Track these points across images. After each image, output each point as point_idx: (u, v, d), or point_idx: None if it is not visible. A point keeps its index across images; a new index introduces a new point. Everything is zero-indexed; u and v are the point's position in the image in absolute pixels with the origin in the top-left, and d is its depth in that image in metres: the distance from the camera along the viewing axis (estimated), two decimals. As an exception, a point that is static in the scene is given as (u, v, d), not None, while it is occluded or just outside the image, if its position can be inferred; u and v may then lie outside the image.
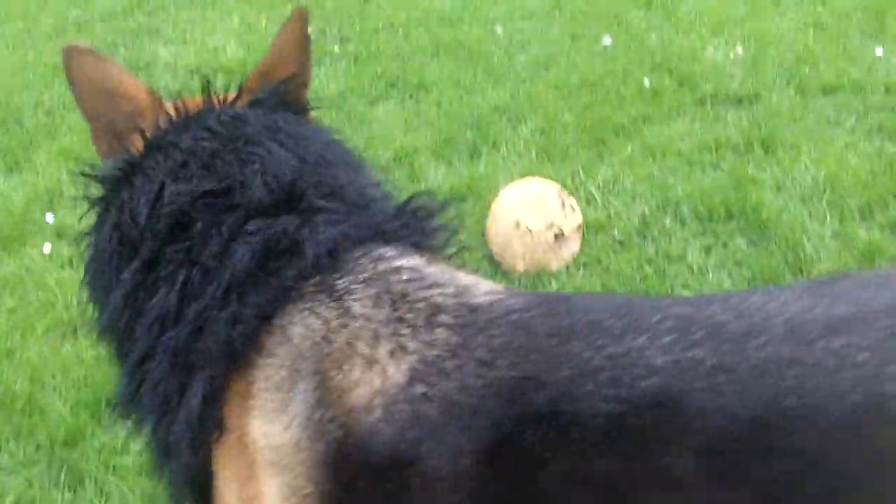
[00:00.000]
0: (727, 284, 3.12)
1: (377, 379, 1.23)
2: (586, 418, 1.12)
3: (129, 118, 1.51)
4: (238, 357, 1.32)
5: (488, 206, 3.39)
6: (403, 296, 1.30)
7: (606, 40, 4.69)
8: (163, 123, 1.52)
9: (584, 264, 3.28)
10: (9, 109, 4.39)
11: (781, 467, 1.06)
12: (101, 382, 2.88)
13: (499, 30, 4.94)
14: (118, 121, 1.52)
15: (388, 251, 1.38)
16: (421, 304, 1.29)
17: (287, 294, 1.33)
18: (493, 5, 5.24)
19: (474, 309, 1.27)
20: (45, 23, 5.22)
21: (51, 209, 3.76)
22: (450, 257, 1.48)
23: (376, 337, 1.26)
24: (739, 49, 4.52)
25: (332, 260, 1.35)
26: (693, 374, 1.10)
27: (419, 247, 1.43)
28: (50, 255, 3.50)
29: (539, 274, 3.20)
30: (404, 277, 1.33)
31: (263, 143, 1.48)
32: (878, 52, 4.40)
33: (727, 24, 4.78)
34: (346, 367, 1.25)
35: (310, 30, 1.68)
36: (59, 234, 3.62)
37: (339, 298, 1.31)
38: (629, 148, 3.85)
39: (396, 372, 1.23)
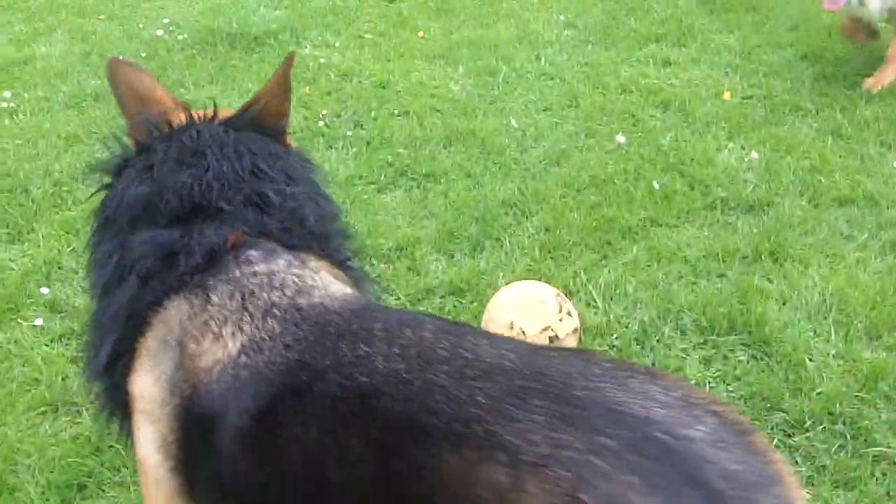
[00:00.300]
0: (724, 400, 3.02)
1: (220, 350, 1.62)
2: (321, 396, 1.46)
3: (159, 118, 1.95)
4: (134, 327, 1.74)
5: (486, 304, 3.33)
6: (252, 293, 1.71)
7: (620, 139, 4.66)
8: (161, 130, 1.93)
9: (579, 371, 3.19)
10: (18, 178, 4.40)
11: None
12: (75, 465, 2.82)
13: (513, 122, 4.92)
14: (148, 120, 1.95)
15: (254, 254, 1.79)
16: (261, 302, 1.69)
17: (173, 286, 1.75)
18: (511, 96, 5.23)
19: (299, 308, 1.66)
20: (65, 92, 5.26)
21: (47, 282, 3.73)
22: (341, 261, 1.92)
23: (225, 321, 1.66)
24: (755, 154, 4.47)
25: (212, 259, 1.77)
26: (390, 381, 1.42)
27: (304, 249, 1.85)
28: (41, 329, 3.46)
29: None
30: (256, 280, 1.73)
31: (206, 155, 1.86)
32: (896, 164, 4.34)
33: (744, 128, 4.74)
34: (200, 340, 1.65)
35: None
36: (52, 307, 3.59)
37: (206, 291, 1.72)
38: (634, 251, 3.78)
39: (233, 347, 1.61)
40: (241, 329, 1.64)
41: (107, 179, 1.96)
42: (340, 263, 1.93)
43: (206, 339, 1.65)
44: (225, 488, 1.58)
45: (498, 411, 1.31)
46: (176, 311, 1.71)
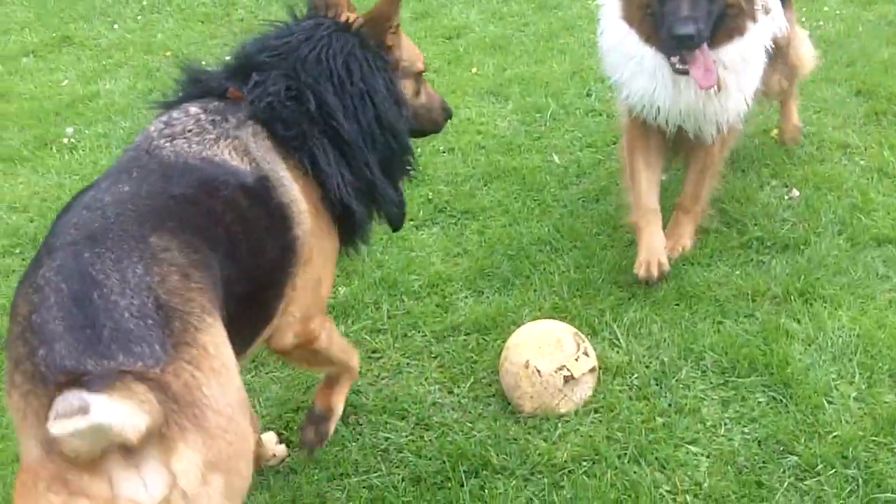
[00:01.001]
0: (738, 442, 3.02)
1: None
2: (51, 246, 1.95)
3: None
4: None
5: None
6: (160, 125, 2.34)
7: (662, 176, 4.65)
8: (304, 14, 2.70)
9: (596, 409, 3.22)
10: (72, 213, 4.59)
11: None
12: None
13: (556, 158, 4.96)
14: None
15: (195, 108, 2.40)
16: (151, 128, 2.34)
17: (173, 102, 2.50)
18: (557, 132, 5.27)
19: (152, 149, 2.27)
20: (124, 128, 5.46)
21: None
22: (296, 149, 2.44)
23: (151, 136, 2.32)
24: (796, 192, 4.42)
25: (202, 95, 2.47)
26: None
27: (263, 123, 2.42)
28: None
29: (546, 416, 3.16)
30: (176, 118, 2.36)
31: (281, 40, 2.56)
32: (941, 203, 4.26)
33: (788, 165, 4.69)
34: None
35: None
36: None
37: (168, 113, 2.40)
38: (663, 290, 3.78)
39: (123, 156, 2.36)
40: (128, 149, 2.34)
41: None
42: (293, 149, 2.43)
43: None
44: None
45: None
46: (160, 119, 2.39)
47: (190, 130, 2.32)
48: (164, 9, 7.45)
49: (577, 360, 3.19)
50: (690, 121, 3.70)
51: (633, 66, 3.62)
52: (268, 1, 7.46)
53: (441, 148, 5.16)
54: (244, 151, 2.33)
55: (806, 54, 4.62)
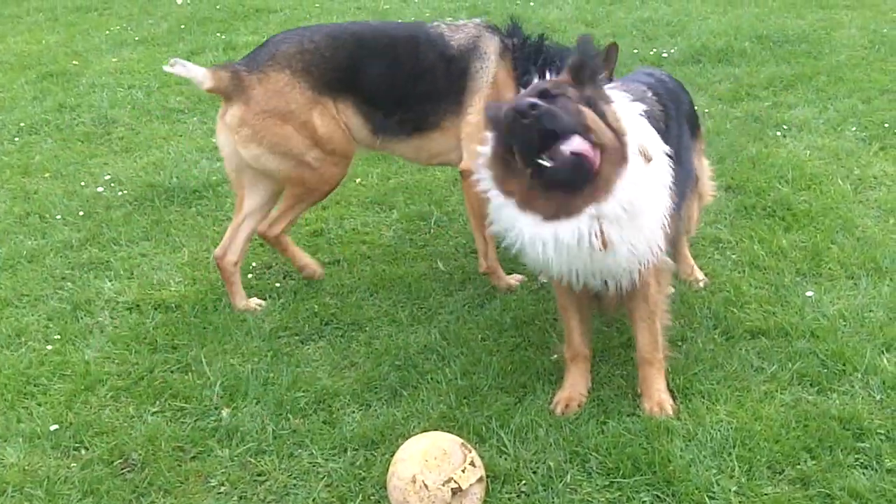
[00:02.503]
0: (625, 546, 3.03)
1: None
2: None
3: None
4: None
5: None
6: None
7: (543, 279, 4.74)
8: None
9: (485, 520, 3.20)
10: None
11: None
12: None
13: (441, 265, 5.02)
14: None
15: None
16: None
17: None
18: (440, 240, 5.34)
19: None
20: (0, 254, 5.33)
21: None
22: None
23: None
24: (671, 288, 4.55)
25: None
26: None
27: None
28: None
29: None
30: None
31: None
32: (809, 293, 4.43)
33: (664, 263, 4.84)
34: None
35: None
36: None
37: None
38: (549, 393, 3.83)
39: None
40: None
41: None
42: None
43: None
44: None
45: None
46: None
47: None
48: (43, 129, 7.36)
49: (463, 471, 3.18)
50: (590, 278, 3.55)
51: (515, 237, 3.47)
52: (147, 119, 7.45)
53: (327, 260, 5.17)
54: None
55: (709, 184, 4.63)
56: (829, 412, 3.58)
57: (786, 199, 5.38)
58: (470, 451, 3.26)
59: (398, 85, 4.58)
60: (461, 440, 3.31)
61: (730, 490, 3.21)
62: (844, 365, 3.86)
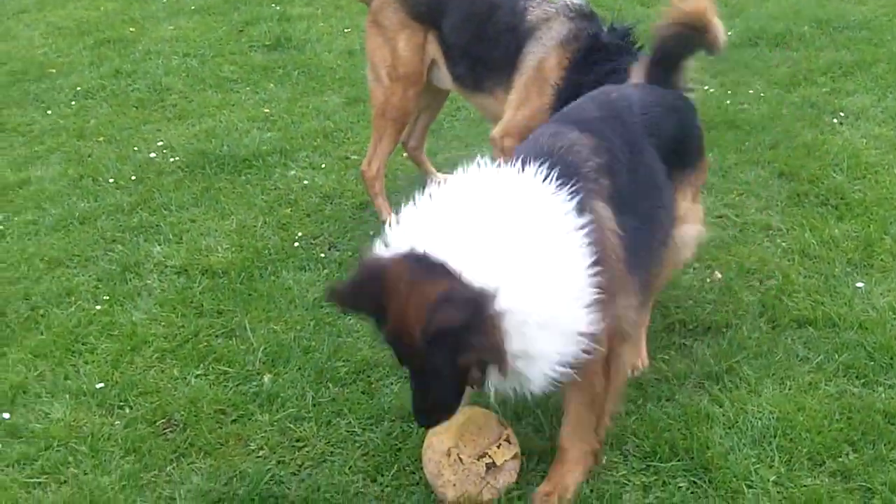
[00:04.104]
0: (658, 529, 3.02)
1: None
2: None
3: None
4: None
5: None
6: None
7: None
8: None
9: (519, 496, 3.21)
10: (-5, 301, 4.54)
11: None
12: None
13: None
14: None
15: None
16: None
17: None
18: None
19: None
20: (53, 215, 5.42)
21: (11, 406, 3.81)
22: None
23: None
24: (718, 274, 4.51)
25: None
26: None
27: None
28: (-9, 457, 3.53)
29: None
30: None
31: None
32: (859, 284, 4.35)
33: (711, 248, 4.78)
34: None
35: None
36: (11, 433, 3.66)
37: None
38: (588, 374, 3.80)
39: None
40: None
41: None
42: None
43: None
44: None
45: None
46: None
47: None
48: (98, 94, 7.44)
49: (499, 446, 3.18)
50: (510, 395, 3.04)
51: None
52: (201, 87, 7.50)
53: (371, 232, 5.18)
54: None
55: (693, 234, 3.82)
56: (875, 405, 3.52)
57: (840, 188, 5.28)
58: (506, 428, 3.26)
59: (466, 40, 4.75)
60: (498, 416, 3.31)
61: (768, 480, 3.18)
62: (892, 358, 3.80)
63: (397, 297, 2.60)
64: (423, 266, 2.62)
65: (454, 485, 3.15)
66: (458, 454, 3.14)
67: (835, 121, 6.33)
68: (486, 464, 3.15)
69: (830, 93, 6.84)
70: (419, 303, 2.56)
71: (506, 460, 3.19)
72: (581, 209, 2.89)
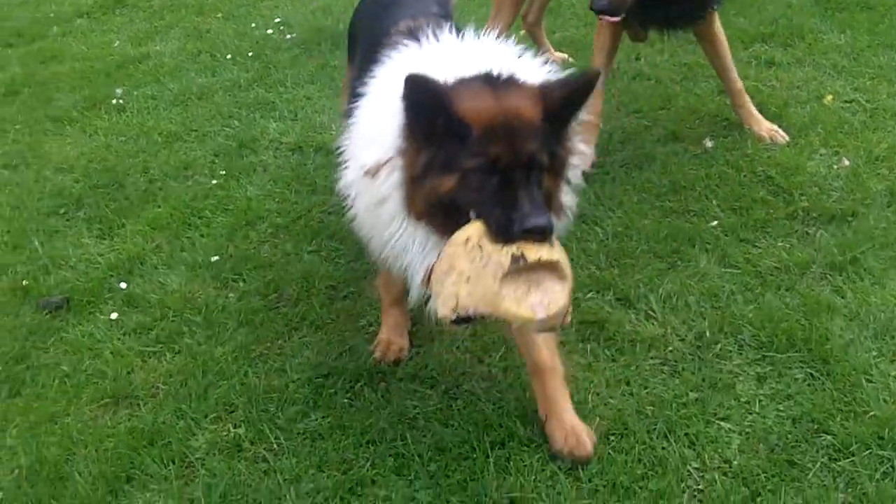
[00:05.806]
0: (771, 419, 2.95)
1: None
2: None
3: None
4: None
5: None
6: None
7: (708, 143, 4.55)
8: None
9: (627, 381, 3.17)
10: (115, 174, 4.65)
11: None
12: (127, 457, 2.97)
13: (601, 125, 4.86)
14: None
15: None
16: None
17: None
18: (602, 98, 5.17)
19: None
20: (171, 90, 5.50)
21: (129, 277, 3.92)
22: None
23: None
24: (846, 161, 4.29)
25: None
26: None
27: None
28: (115, 322, 3.66)
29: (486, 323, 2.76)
30: None
31: None
32: None
33: (840, 134, 4.55)
34: None
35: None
36: (129, 302, 3.78)
37: None
38: (703, 261, 3.71)
39: None
40: None
41: None
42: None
43: None
44: None
45: None
46: None
47: None
48: (217, -30, 7.46)
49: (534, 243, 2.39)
50: None
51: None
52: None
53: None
54: None
55: None
56: None
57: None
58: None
59: None
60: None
61: (889, 374, 3.06)
62: None
63: (506, 98, 2.54)
64: (503, 79, 2.61)
65: (468, 279, 2.35)
66: (477, 242, 2.39)
67: None
68: (514, 255, 2.35)
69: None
70: (531, 93, 2.56)
71: (539, 261, 2.37)
72: None
